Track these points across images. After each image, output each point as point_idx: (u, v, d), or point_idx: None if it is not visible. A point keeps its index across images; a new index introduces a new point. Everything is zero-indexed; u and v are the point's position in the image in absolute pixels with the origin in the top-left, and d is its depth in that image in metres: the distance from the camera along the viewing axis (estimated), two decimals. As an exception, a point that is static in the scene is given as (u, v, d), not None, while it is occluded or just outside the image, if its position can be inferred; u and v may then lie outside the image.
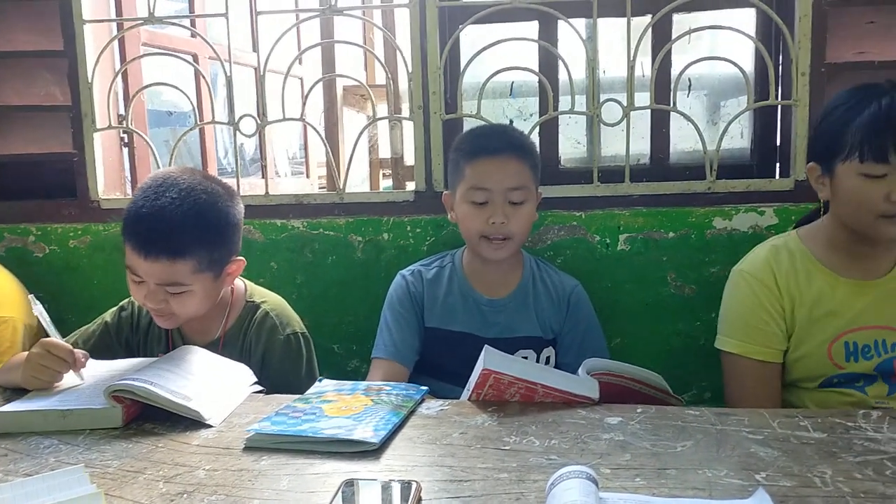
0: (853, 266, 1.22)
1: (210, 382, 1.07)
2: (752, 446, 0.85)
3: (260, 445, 0.90)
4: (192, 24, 2.15)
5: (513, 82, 1.91)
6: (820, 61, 1.54)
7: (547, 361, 1.44)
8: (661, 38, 1.71)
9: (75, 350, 1.09)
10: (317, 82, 1.76)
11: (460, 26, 1.64)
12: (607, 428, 0.93)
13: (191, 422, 0.99)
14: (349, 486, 0.76)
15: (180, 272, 1.17)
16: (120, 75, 1.81)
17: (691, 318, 1.61)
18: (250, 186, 2.33)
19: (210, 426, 0.98)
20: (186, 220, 1.17)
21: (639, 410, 0.99)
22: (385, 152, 2.99)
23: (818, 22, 1.53)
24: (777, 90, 1.61)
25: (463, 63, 1.67)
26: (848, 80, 1.57)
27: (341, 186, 1.71)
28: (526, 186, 1.36)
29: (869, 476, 0.76)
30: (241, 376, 1.15)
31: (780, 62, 1.65)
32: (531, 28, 1.78)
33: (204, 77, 1.84)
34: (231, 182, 1.74)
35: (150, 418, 1.01)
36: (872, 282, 1.21)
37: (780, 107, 1.67)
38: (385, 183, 3.33)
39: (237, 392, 1.09)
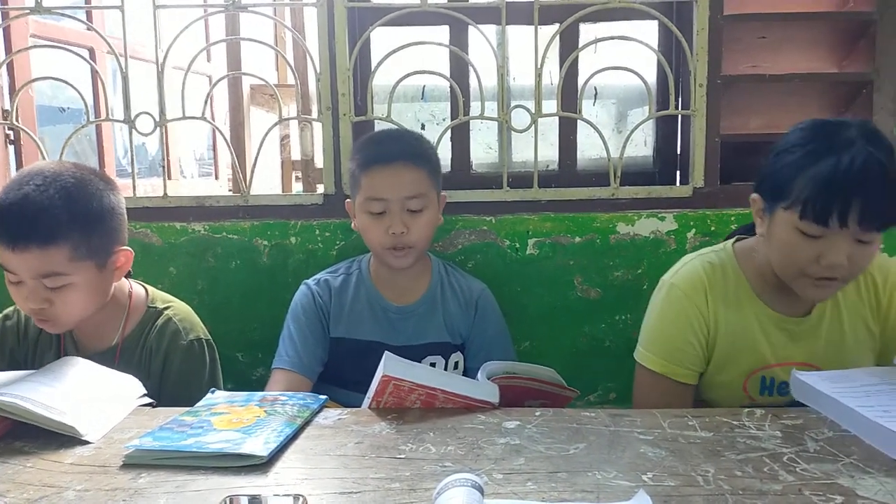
0: (779, 300, 1.18)
1: (90, 395, 1.00)
2: (642, 447, 0.87)
3: (140, 462, 0.84)
4: (89, 16, 2.04)
5: (424, 86, 1.90)
6: (716, 73, 1.61)
7: (455, 367, 1.44)
8: (569, 47, 1.74)
9: None
10: (219, 80, 1.70)
11: (370, 28, 1.62)
12: (504, 432, 0.93)
13: (67, 439, 0.92)
14: (230, 502, 0.72)
15: (55, 260, 1.11)
16: (5, 68, 1.69)
17: (597, 321, 1.64)
18: (153, 188, 2.22)
19: (87, 443, 0.91)
20: (53, 204, 1.10)
21: (537, 413, 0.99)
22: (298, 154, 2.93)
23: (714, 36, 1.60)
24: (677, 100, 1.67)
25: (373, 65, 1.65)
26: (742, 91, 1.66)
27: (245, 188, 1.66)
28: (423, 194, 1.34)
29: (748, 473, 0.79)
30: (127, 388, 1.08)
31: (680, 73, 1.71)
32: (442, 32, 1.78)
33: (98, 72, 1.75)
34: (127, 183, 1.66)
35: (22, 436, 0.93)
36: (796, 318, 1.18)
37: (680, 116, 1.73)
38: (298, 185, 3.26)
39: (121, 405, 1.03)
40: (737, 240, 1.26)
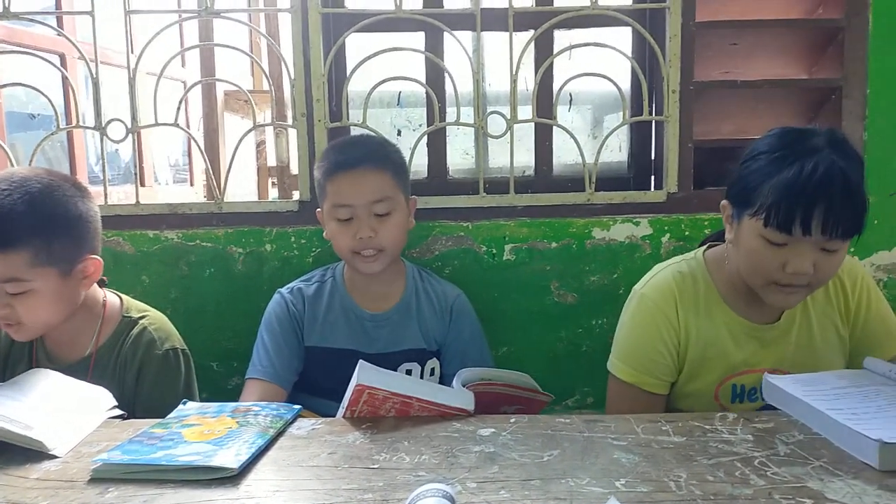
0: (749, 308, 1.18)
1: (58, 408, 0.99)
2: (615, 452, 0.87)
3: (108, 476, 0.83)
4: (60, 22, 2.01)
5: (400, 92, 1.90)
6: (689, 79, 1.62)
7: (432, 373, 1.43)
8: (544, 53, 1.75)
9: None
10: (193, 86, 1.68)
11: (344, 34, 1.61)
12: (479, 440, 0.92)
13: (33, 453, 0.90)
14: (200, 516, 0.71)
15: (15, 265, 1.09)
16: (-28, 74, 1.66)
17: (574, 326, 1.65)
18: (126, 195, 2.19)
19: (55, 457, 0.90)
20: (14, 208, 1.09)
21: (512, 420, 0.99)
22: (273, 160, 2.91)
23: (686, 42, 1.61)
24: (651, 106, 1.68)
25: (349, 71, 1.65)
26: (714, 97, 1.68)
27: (219, 195, 1.64)
28: (389, 197, 1.33)
29: (720, 478, 0.80)
30: (96, 400, 1.06)
31: (654, 79, 1.73)
32: (418, 39, 1.78)
33: (67, 78, 1.72)
34: (99, 190, 1.64)
35: (-14, 451, 0.91)
36: (765, 325, 1.19)
37: (654, 122, 1.75)
38: (274, 192, 3.24)
39: (90, 417, 1.01)
40: (708, 247, 1.27)
